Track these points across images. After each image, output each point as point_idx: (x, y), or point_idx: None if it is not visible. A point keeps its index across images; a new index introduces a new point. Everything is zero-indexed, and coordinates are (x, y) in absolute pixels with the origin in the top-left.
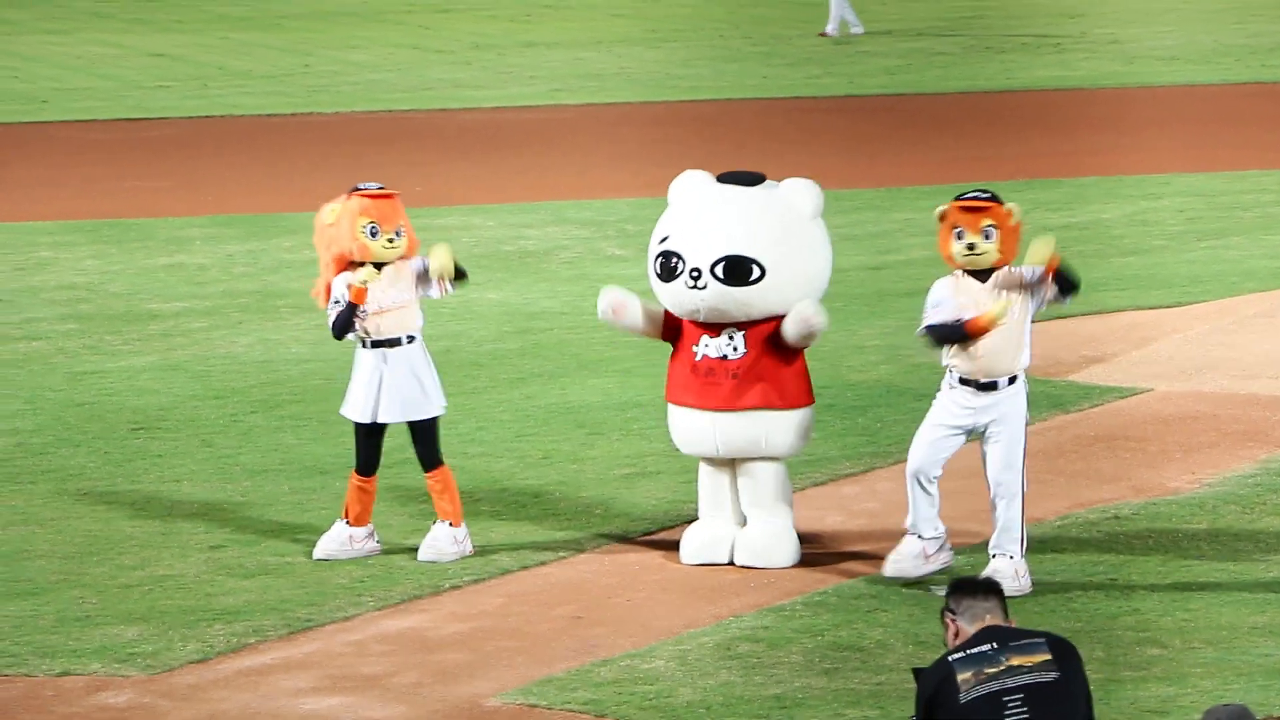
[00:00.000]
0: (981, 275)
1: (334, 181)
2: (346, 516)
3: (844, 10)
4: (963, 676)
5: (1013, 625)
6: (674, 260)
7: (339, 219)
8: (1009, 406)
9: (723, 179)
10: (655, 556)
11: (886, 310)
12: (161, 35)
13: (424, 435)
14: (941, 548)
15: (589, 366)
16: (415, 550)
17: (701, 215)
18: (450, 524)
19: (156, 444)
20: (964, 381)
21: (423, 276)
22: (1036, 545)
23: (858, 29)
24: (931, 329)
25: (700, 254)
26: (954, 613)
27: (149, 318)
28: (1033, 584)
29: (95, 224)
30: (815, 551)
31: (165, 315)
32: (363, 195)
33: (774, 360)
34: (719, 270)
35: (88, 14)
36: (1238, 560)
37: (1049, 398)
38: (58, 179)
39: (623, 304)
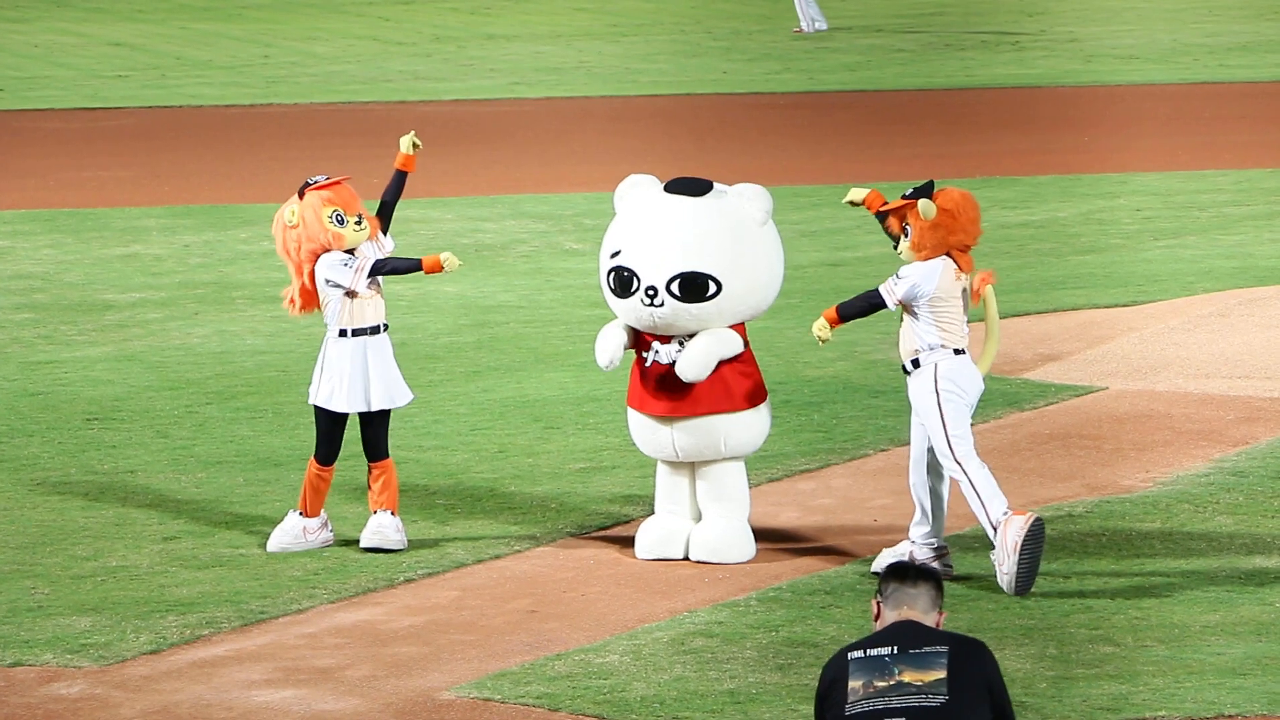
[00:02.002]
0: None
1: (292, 173)
2: (301, 507)
3: (806, 6)
4: (853, 684)
5: (936, 624)
6: (628, 276)
7: (301, 217)
8: (914, 390)
9: (670, 188)
10: (610, 551)
11: None
12: (121, 24)
13: (379, 425)
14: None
15: (545, 360)
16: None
17: (653, 229)
18: (391, 512)
19: (111, 434)
20: None
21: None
22: (990, 542)
23: (821, 25)
24: None
25: (655, 271)
26: (882, 596)
27: (105, 308)
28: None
29: (52, 213)
30: (770, 547)
31: (121, 306)
32: (318, 188)
33: (722, 363)
34: (675, 288)
35: (47, 2)
36: (1190, 559)
37: (1004, 395)
38: (14, 168)
39: (618, 344)
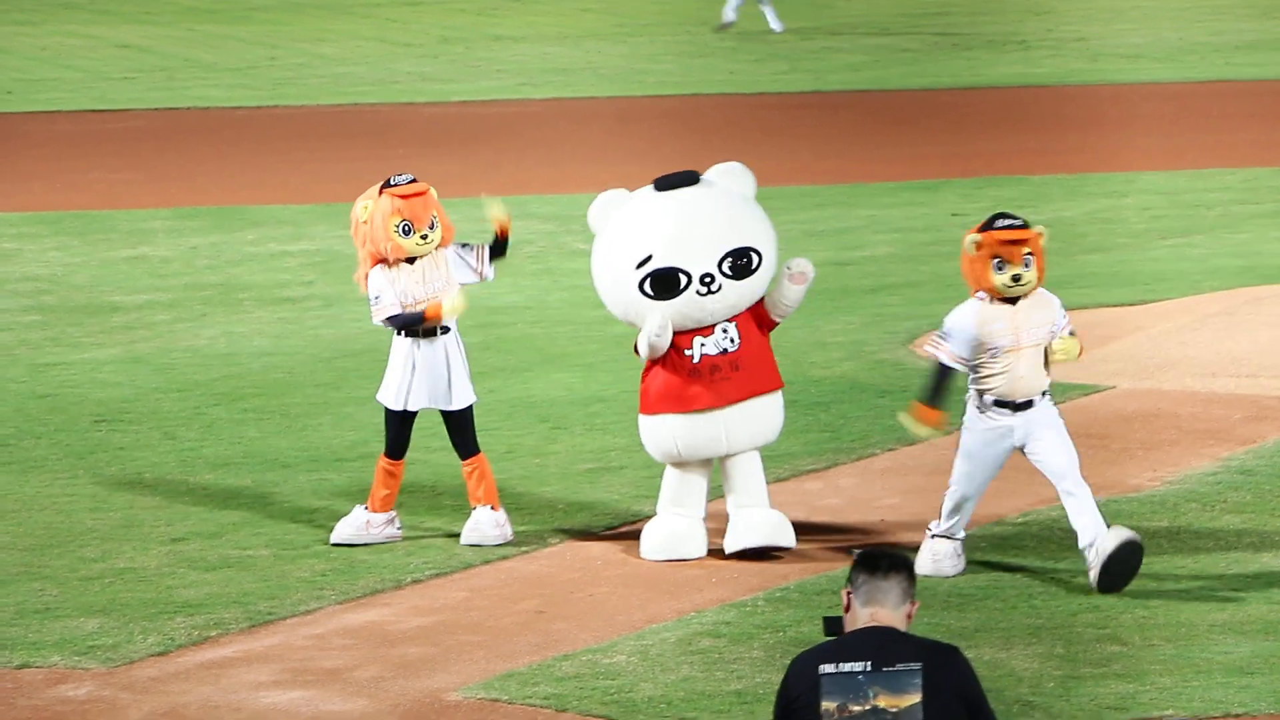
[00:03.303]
0: (1012, 299)
1: (300, 175)
2: (369, 503)
3: (750, 3)
4: (826, 705)
5: (908, 615)
6: (670, 275)
7: (371, 217)
8: (1045, 415)
9: (661, 187)
10: (617, 551)
11: (850, 306)
12: (129, 26)
13: (459, 424)
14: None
15: (552, 361)
16: (380, 545)
17: (680, 224)
18: (491, 508)
19: (118, 436)
20: (999, 403)
21: (458, 262)
22: (998, 542)
23: (777, 26)
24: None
25: (704, 259)
26: (852, 586)
27: (112, 310)
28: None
29: (59, 215)
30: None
31: (128, 308)
32: (394, 193)
33: (761, 343)
34: (726, 267)
35: (55, 4)
36: (1198, 557)
37: None
38: (22, 170)
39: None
